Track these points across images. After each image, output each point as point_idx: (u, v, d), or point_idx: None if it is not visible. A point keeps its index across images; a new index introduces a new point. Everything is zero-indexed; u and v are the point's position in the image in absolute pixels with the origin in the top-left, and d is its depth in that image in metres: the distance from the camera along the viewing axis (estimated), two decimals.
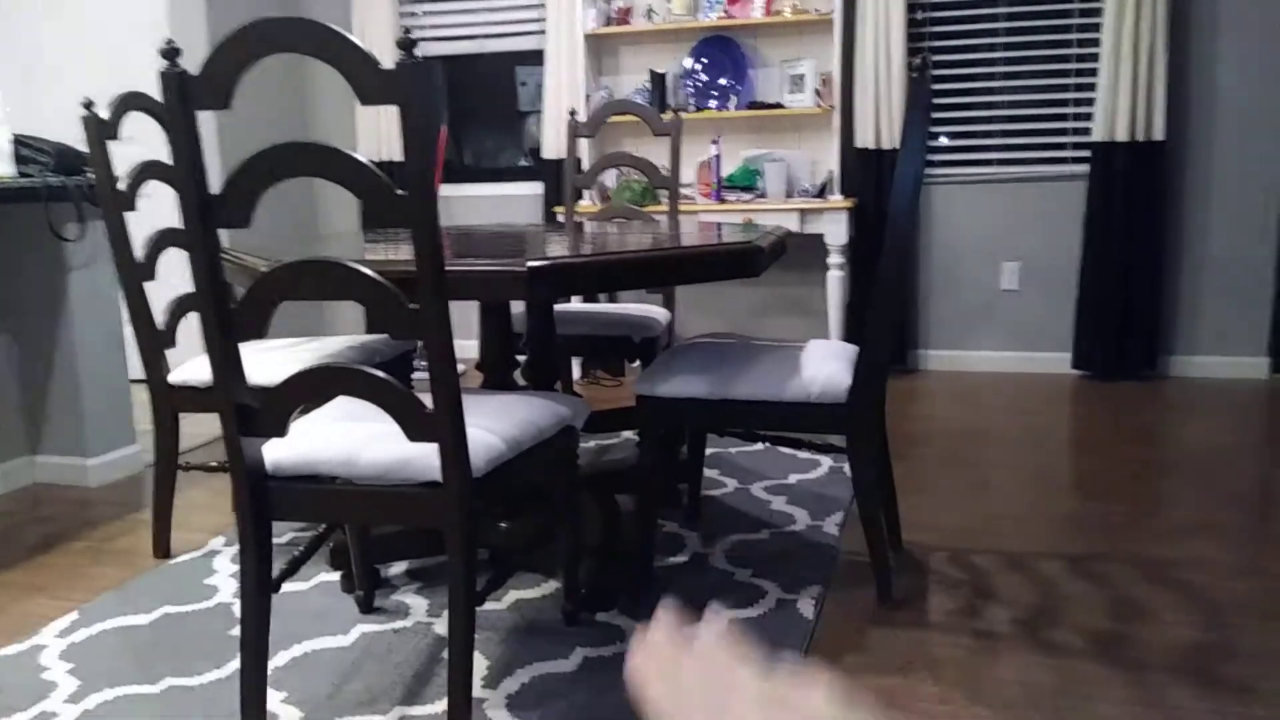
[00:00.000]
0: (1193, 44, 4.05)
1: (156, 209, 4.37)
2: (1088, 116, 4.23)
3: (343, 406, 1.88)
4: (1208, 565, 2.33)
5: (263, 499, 1.67)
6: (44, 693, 1.89)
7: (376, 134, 4.91)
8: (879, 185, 4.32)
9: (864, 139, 4.30)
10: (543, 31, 4.73)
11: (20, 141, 2.98)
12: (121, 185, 2.44)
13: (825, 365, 2.17)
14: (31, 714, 1.81)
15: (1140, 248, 4.10)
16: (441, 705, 1.79)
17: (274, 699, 1.83)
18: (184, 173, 1.56)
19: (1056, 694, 1.80)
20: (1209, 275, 4.17)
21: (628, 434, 3.55)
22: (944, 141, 4.41)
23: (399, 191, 1.48)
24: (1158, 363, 4.19)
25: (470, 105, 5.19)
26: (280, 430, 1.65)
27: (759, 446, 3.37)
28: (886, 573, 2.18)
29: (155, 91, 2.62)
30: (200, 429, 3.72)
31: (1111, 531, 2.56)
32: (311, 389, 1.62)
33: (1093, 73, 4.18)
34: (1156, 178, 4.05)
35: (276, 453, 1.68)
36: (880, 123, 4.27)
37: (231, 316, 1.61)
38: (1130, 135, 4.02)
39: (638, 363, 4.56)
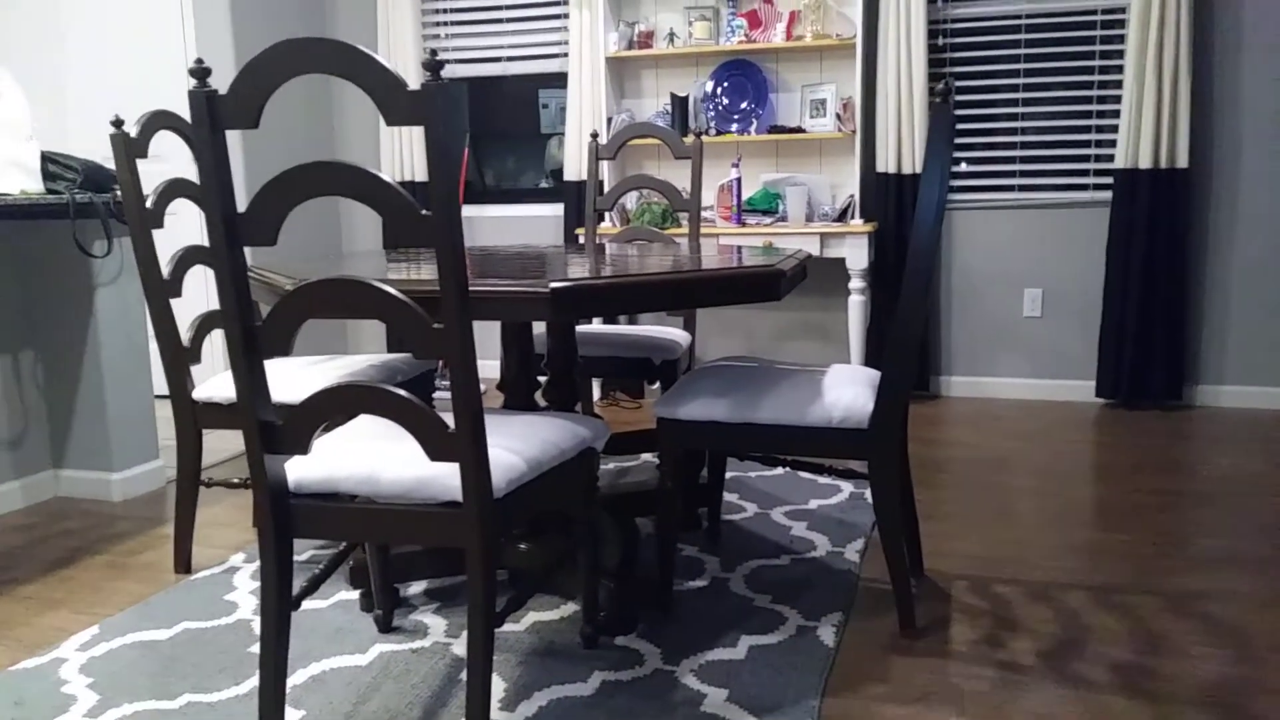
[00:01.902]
0: (1216, 70, 4.03)
1: (182, 226, 4.43)
2: (1110, 143, 4.22)
3: (365, 425, 1.88)
4: (1235, 598, 2.30)
5: (284, 516, 1.67)
6: (64, 706, 1.89)
7: (399, 154, 4.95)
8: (900, 209, 4.31)
9: (885, 163, 4.30)
10: (565, 55, 4.77)
11: (48, 158, 3.02)
12: (149, 203, 2.47)
13: (847, 390, 2.16)
14: None
15: (1164, 275, 4.08)
16: None
17: (292, 717, 1.83)
18: (211, 192, 1.58)
19: None
20: (1234, 303, 4.14)
21: (647, 456, 3.54)
22: (964, 168, 4.40)
23: (424, 212, 1.49)
24: (1183, 392, 4.15)
25: (492, 127, 5.23)
26: (303, 448, 1.65)
27: (779, 471, 3.35)
28: (908, 601, 2.16)
29: (179, 109, 2.66)
30: (223, 445, 3.74)
31: (1136, 562, 2.52)
32: (335, 407, 1.63)
33: (1115, 99, 4.17)
34: (1180, 205, 4.03)
35: (299, 471, 1.68)
36: (902, 147, 4.27)
37: (256, 334, 1.62)
38: (1154, 163, 4.00)
39: (657, 384, 4.56)
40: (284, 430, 1.64)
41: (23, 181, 2.89)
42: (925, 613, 2.25)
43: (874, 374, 2.36)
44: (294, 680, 1.97)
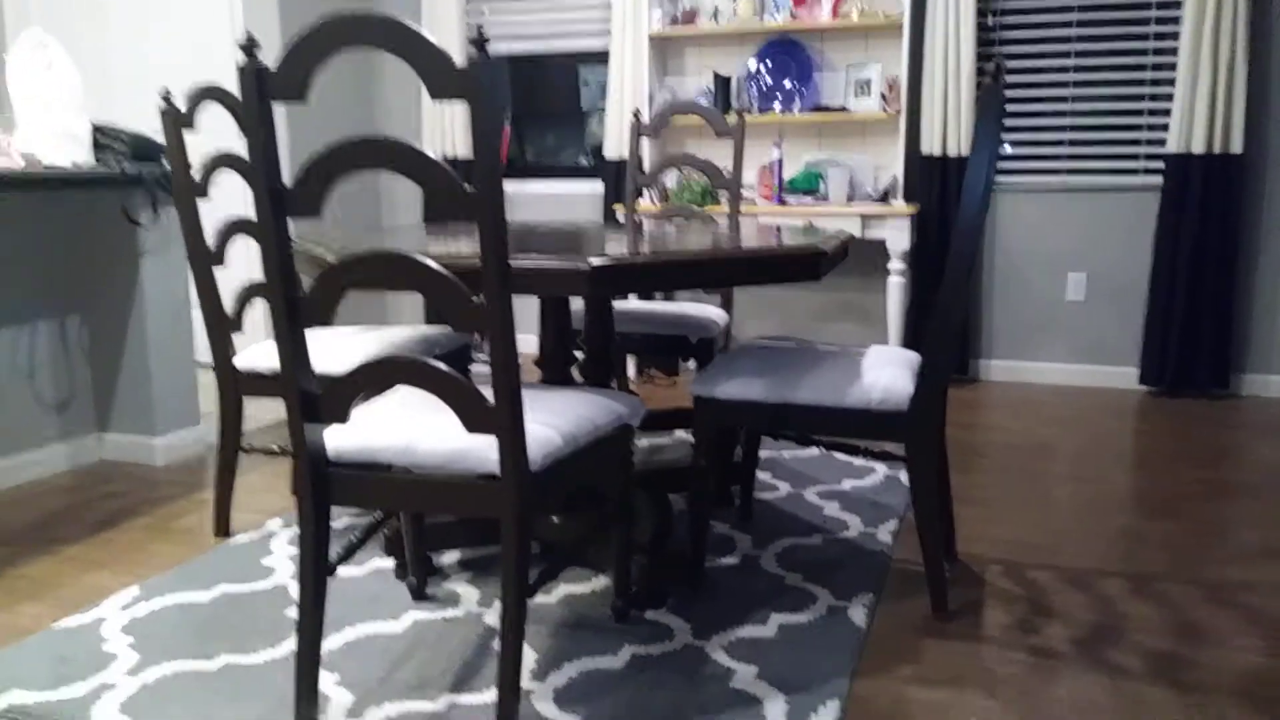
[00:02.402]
0: (1273, 56, 3.93)
1: (227, 197, 4.48)
2: (1163, 127, 4.13)
3: (403, 396, 1.90)
4: (1276, 590, 2.26)
5: (323, 484, 1.70)
6: (104, 664, 1.94)
7: (441, 129, 4.97)
8: (943, 192, 4.26)
9: (930, 145, 4.25)
10: (608, 32, 4.74)
11: (98, 130, 3.07)
12: (195, 175, 2.50)
13: (886, 372, 2.14)
14: (92, 684, 1.86)
15: (1213, 262, 4.00)
16: (490, 695, 1.80)
17: (326, 681, 1.86)
18: (258, 165, 1.59)
19: (1113, 715, 1.76)
20: None
21: (681, 433, 3.54)
22: (1009, 150, 4.34)
23: (467, 188, 1.50)
24: (1229, 380, 4.08)
25: (533, 103, 5.23)
26: (343, 417, 1.67)
27: (813, 451, 3.34)
28: (941, 583, 2.15)
29: (226, 82, 2.69)
30: (262, 412, 3.80)
31: (1175, 552, 2.49)
32: (374, 379, 1.64)
33: (1169, 82, 4.08)
34: (1233, 192, 3.94)
35: (338, 439, 1.70)
36: (947, 129, 4.21)
37: (299, 305, 1.64)
38: (1207, 148, 3.92)
39: (692, 362, 4.56)
40: (324, 400, 1.67)
41: (74, 153, 2.94)
42: (958, 596, 2.24)
43: (913, 356, 2.34)
44: (329, 645, 2.00)
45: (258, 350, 2.59)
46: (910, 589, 2.28)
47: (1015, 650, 2.00)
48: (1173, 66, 4.05)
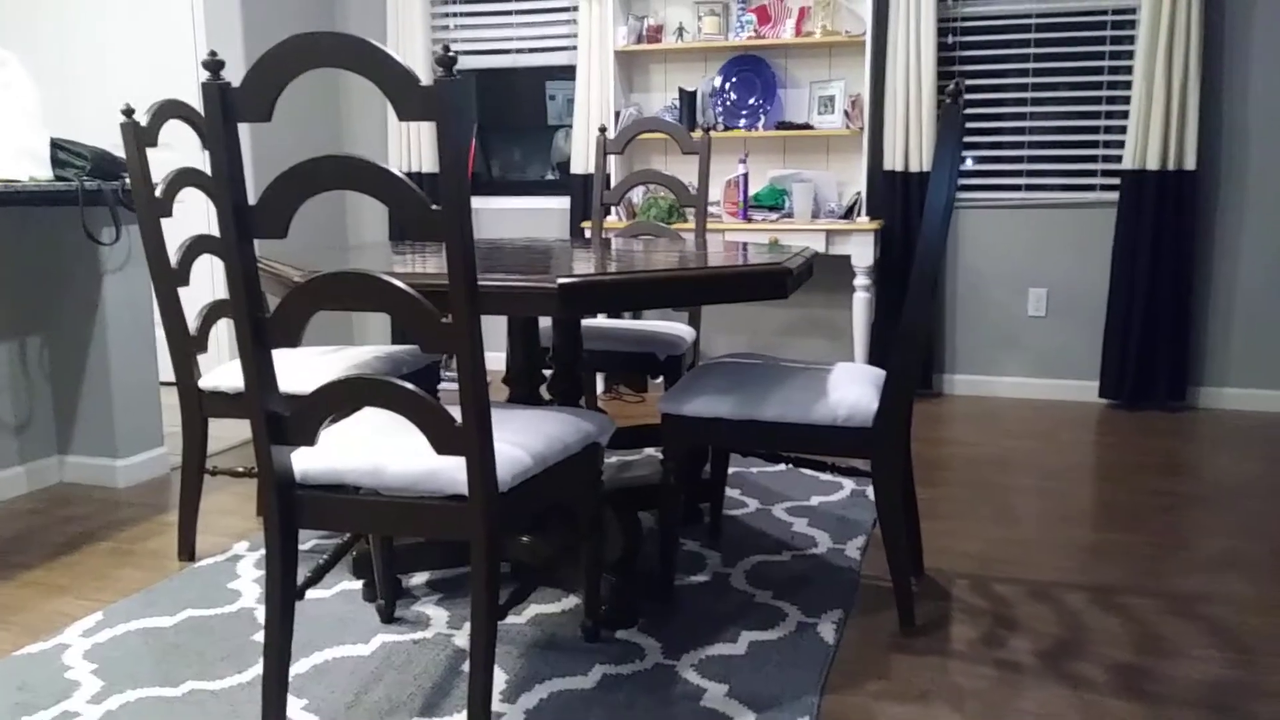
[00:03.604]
0: (1225, 73, 4.03)
1: (190, 215, 4.44)
2: (1119, 144, 4.21)
3: (371, 417, 1.89)
4: (1235, 600, 2.30)
5: (290, 507, 1.68)
6: (67, 692, 1.90)
7: (407, 145, 4.95)
8: (906, 207, 4.31)
9: (892, 161, 4.30)
10: (574, 47, 4.76)
11: (57, 145, 3.02)
12: (158, 192, 2.48)
13: (852, 389, 2.16)
14: (54, 713, 1.83)
15: (1170, 277, 4.07)
16: (460, 717, 1.79)
17: (294, 706, 1.84)
18: (223, 184, 1.59)
19: None
20: (1239, 306, 4.14)
21: (650, 450, 3.55)
22: (970, 165, 4.40)
23: (434, 207, 1.50)
24: (1186, 393, 4.15)
25: (499, 118, 5.23)
26: (310, 439, 1.66)
27: (781, 467, 3.36)
28: (908, 599, 2.17)
29: (186, 97, 2.68)
30: (227, 432, 3.75)
31: (1137, 563, 2.53)
32: (341, 399, 1.63)
33: (1124, 100, 4.17)
34: (1187, 207, 4.02)
35: (305, 462, 1.69)
36: (909, 145, 4.27)
37: (265, 326, 1.63)
38: (1161, 164, 4.00)
39: (660, 379, 4.57)
40: (291, 421, 1.65)
41: (32, 169, 2.90)
42: (925, 611, 2.26)
43: (878, 372, 2.37)
44: (297, 669, 1.98)
45: (222, 371, 2.56)
46: (878, 604, 2.29)
47: (981, 664, 2.02)
48: (1128, 85, 4.14)
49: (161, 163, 2.61)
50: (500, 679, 1.94)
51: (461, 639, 2.11)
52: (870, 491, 3.08)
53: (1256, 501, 2.99)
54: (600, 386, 4.61)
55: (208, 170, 3.66)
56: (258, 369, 1.65)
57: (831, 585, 2.38)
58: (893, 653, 2.07)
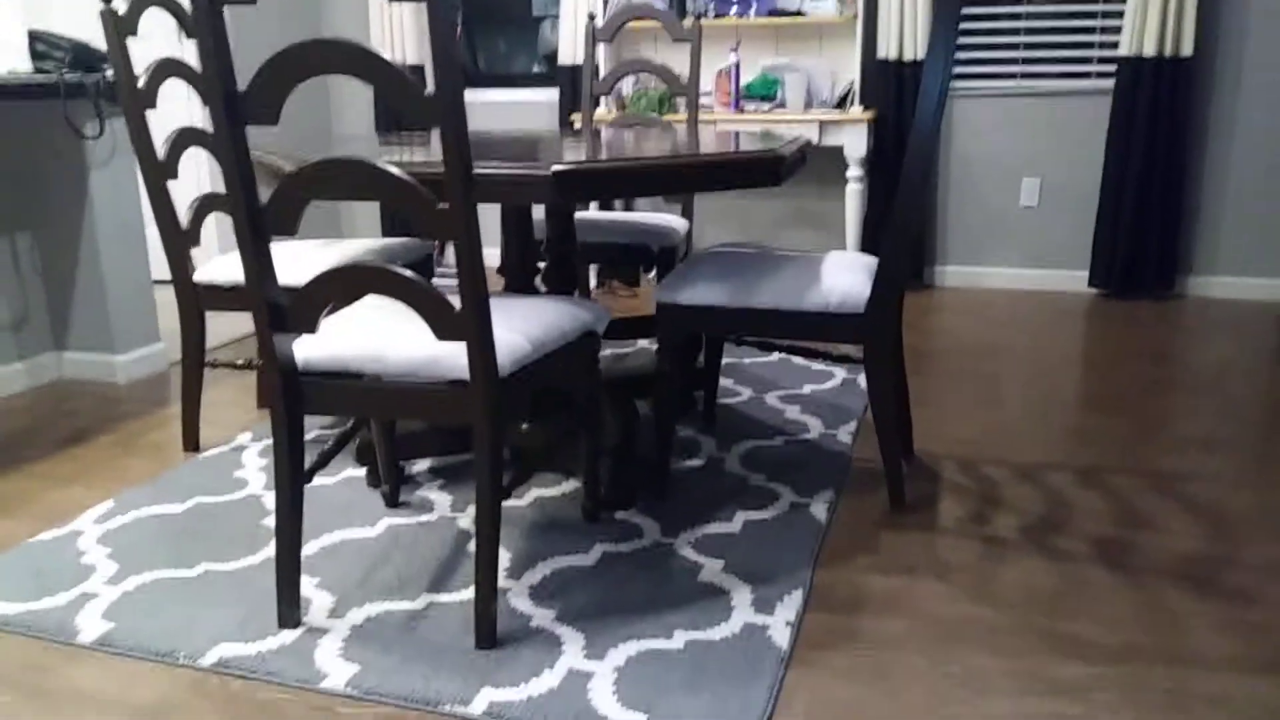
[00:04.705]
0: None
1: (169, 108, 4.36)
2: (1115, 30, 4.15)
3: (370, 306, 1.91)
4: (1214, 479, 2.38)
5: (295, 392, 1.71)
6: (84, 575, 1.97)
7: (390, 35, 4.84)
8: (900, 97, 4.26)
9: (887, 49, 4.23)
10: None
11: (35, 37, 2.95)
12: (140, 83, 2.44)
13: (845, 276, 2.18)
14: (73, 594, 1.89)
15: (1162, 166, 4.06)
16: (467, 593, 1.86)
17: (307, 584, 1.91)
18: (212, 72, 1.57)
19: (1058, 596, 1.86)
20: (1231, 195, 4.14)
21: (644, 343, 3.58)
22: (966, 55, 4.33)
23: (428, 92, 1.49)
24: (1175, 282, 4.19)
25: (484, 8, 5.10)
26: (311, 327, 1.68)
27: (774, 358, 3.40)
28: (898, 478, 2.23)
29: None
30: (222, 330, 3.77)
31: (1120, 445, 2.60)
32: (342, 288, 1.65)
33: None
34: (1182, 95, 3.99)
35: (307, 350, 1.72)
36: (904, 32, 4.19)
37: (262, 215, 1.63)
38: (1158, 51, 3.95)
39: (653, 274, 4.57)
40: (292, 310, 1.67)
41: (10, 61, 2.84)
42: (914, 491, 2.33)
43: (871, 260, 2.39)
44: (306, 551, 2.04)
45: (216, 264, 2.56)
46: (869, 486, 2.36)
47: (967, 539, 2.09)
48: None
49: (138, 56, 2.56)
50: (504, 558, 2.00)
51: (465, 521, 2.18)
52: (861, 380, 3.13)
53: (1239, 387, 3.05)
54: (593, 282, 4.62)
55: (189, 60, 3.58)
56: (256, 259, 1.66)
57: (823, 468, 2.45)
58: (882, 530, 2.14)
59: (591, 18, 3.36)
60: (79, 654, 1.71)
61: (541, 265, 2.47)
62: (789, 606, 1.81)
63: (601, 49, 4.45)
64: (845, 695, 1.58)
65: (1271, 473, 2.41)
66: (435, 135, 2.66)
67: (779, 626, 1.74)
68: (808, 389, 3.06)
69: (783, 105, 4.27)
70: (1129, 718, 1.51)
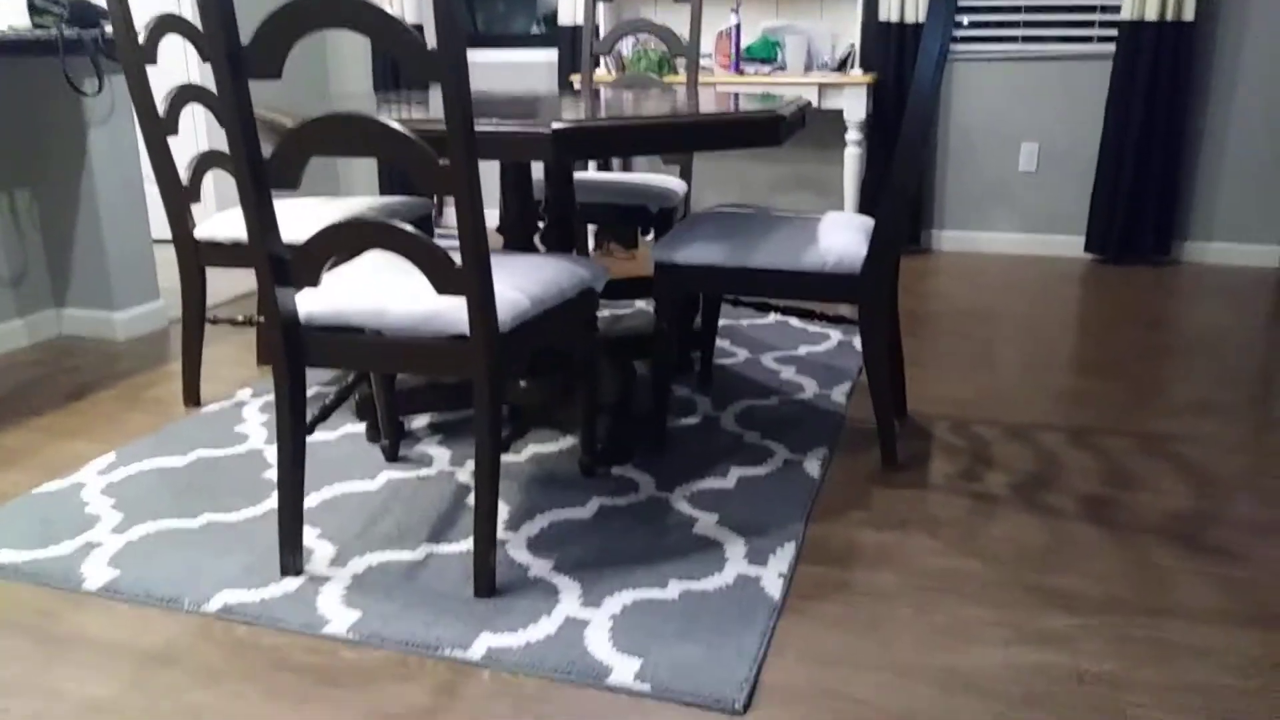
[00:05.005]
0: None
1: (166, 67, 4.34)
2: None
3: (371, 262, 1.93)
4: (1205, 441, 2.41)
5: (297, 346, 1.74)
6: (89, 524, 2.00)
7: None
8: (901, 61, 4.25)
9: (888, 11, 4.22)
10: None
11: None
12: (140, 39, 2.43)
13: (841, 236, 2.20)
14: (78, 542, 1.92)
15: (1161, 132, 4.07)
16: (466, 544, 1.90)
17: (308, 534, 1.94)
18: (213, 22, 1.57)
19: (1046, 551, 1.90)
20: (1228, 161, 4.14)
21: (641, 304, 3.60)
22: (967, 21, 4.31)
23: (430, 48, 1.49)
24: (1171, 248, 4.20)
25: None
26: (313, 281, 1.70)
27: (770, 319, 3.43)
28: (891, 436, 2.26)
29: None
30: (222, 287, 3.78)
31: (1113, 408, 2.63)
32: (345, 242, 1.67)
33: None
34: (1183, 60, 3.98)
35: (309, 304, 1.74)
36: None
37: (265, 169, 1.64)
38: (1160, 15, 3.94)
39: (650, 235, 4.58)
40: (294, 264, 1.69)
41: (9, 17, 2.83)
42: (907, 450, 2.36)
43: (867, 221, 2.40)
44: (307, 504, 2.07)
45: (218, 220, 2.58)
46: (862, 444, 2.40)
47: (958, 496, 2.13)
48: None
49: (137, 11, 2.55)
50: (503, 510, 2.04)
51: (464, 475, 2.21)
52: (856, 342, 3.16)
53: (1233, 352, 3.08)
54: (591, 243, 4.62)
55: (188, 16, 3.57)
56: (259, 213, 1.67)
57: (817, 427, 2.48)
58: (874, 486, 2.17)
59: None
60: (85, 600, 1.75)
61: (541, 225, 2.48)
62: (782, 559, 1.84)
63: (601, 9, 4.42)
64: (836, 643, 1.62)
65: (1264, 436, 2.44)
66: (434, 93, 2.67)
67: (771, 578, 1.78)
68: (803, 350, 3.09)
69: (783, 68, 4.26)
70: (1114, 666, 1.55)
